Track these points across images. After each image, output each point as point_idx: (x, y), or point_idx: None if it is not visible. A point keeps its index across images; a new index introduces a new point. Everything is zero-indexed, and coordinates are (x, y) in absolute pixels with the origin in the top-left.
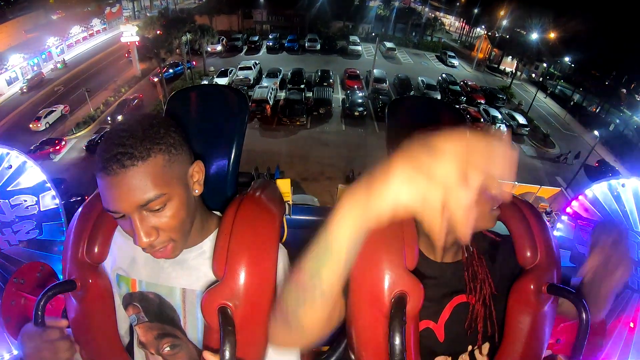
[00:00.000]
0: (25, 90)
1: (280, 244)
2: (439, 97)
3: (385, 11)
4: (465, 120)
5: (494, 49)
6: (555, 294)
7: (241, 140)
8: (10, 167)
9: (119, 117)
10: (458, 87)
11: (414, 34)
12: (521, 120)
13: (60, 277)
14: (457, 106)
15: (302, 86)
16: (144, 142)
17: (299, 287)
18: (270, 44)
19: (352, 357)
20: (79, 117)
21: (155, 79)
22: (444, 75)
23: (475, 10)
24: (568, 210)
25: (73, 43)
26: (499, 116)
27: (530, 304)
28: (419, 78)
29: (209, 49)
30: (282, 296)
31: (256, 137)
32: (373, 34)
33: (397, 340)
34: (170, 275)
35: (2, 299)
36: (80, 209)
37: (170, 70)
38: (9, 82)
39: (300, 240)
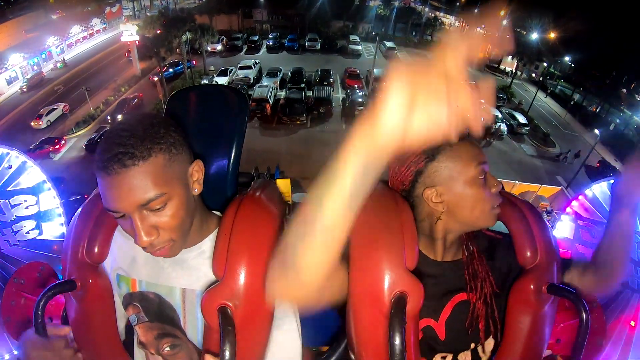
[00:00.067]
0: (25, 89)
1: None
2: None
3: (386, 11)
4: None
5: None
6: (555, 294)
7: (241, 140)
8: (10, 167)
9: (119, 117)
10: None
11: (414, 33)
12: (521, 119)
13: (60, 277)
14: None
15: (302, 85)
16: (144, 142)
17: (300, 220)
18: (271, 43)
19: (352, 357)
20: (79, 116)
21: (155, 78)
22: None
23: (475, 11)
24: (568, 210)
25: (73, 43)
26: (499, 115)
27: (530, 304)
28: None
29: (209, 49)
30: (284, 232)
31: (256, 136)
32: (373, 33)
33: (397, 340)
34: (170, 275)
35: (2, 299)
36: (80, 209)
37: (170, 70)
38: (9, 82)
39: None
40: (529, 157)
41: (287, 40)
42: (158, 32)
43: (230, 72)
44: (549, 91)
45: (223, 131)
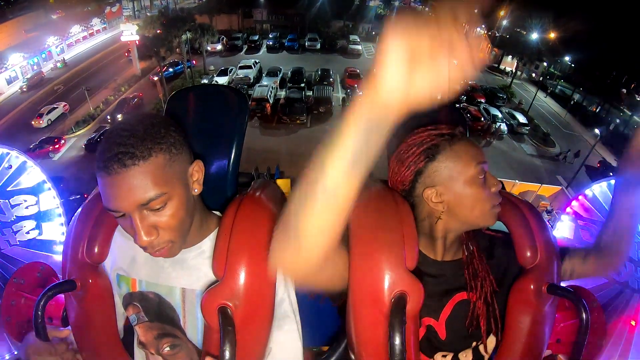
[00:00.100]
0: (25, 89)
1: None
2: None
3: (386, 11)
4: (465, 119)
5: (494, 49)
6: (555, 294)
7: (241, 141)
8: (10, 167)
9: (119, 116)
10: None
11: None
12: (522, 119)
13: (60, 277)
14: (458, 105)
15: (302, 85)
16: (145, 142)
17: (303, 186)
18: (271, 43)
19: (352, 357)
20: (79, 115)
21: (155, 78)
22: None
23: (475, 11)
24: (568, 210)
25: (73, 42)
26: (500, 115)
27: (530, 304)
28: None
29: (209, 48)
30: (288, 197)
31: (256, 136)
32: (373, 33)
33: (397, 340)
34: (170, 275)
35: (2, 299)
36: (80, 209)
37: (170, 69)
38: (9, 81)
39: None
40: (529, 156)
41: (287, 40)
42: (158, 31)
43: (230, 72)
44: (549, 91)
45: (223, 131)
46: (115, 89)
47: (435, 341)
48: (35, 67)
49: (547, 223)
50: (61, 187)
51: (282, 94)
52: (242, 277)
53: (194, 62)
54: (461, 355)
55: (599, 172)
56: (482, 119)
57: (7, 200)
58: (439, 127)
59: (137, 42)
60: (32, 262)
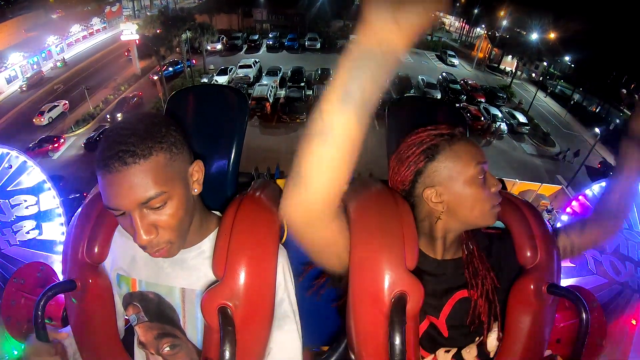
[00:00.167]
0: (24, 88)
1: (280, 245)
2: (439, 96)
3: None
4: (465, 120)
5: (494, 49)
6: (555, 294)
7: (241, 141)
8: (10, 167)
9: (118, 115)
10: (458, 85)
11: None
12: (521, 118)
13: (60, 277)
14: (458, 104)
15: (302, 84)
16: (145, 140)
17: (309, 132)
18: (271, 42)
19: (352, 357)
20: (78, 115)
21: (155, 77)
22: (444, 74)
23: (475, 11)
24: (568, 210)
25: (73, 42)
26: (500, 114)
27: (530, 304)
28: (419, 77)
29: (208, 48)
30: (300, 147)
31: (256, 134)
32: None
33: (397, 340)
34: (169, 275)
35: (2, 299)
36: (80, 209)
37: (170, 69)
38: (9, 81)
39: None
40: (529, 156)
41: (287, 40)
42: (158, 31)
43: (230, 71)
44: (549, 91)
45: (223, 131)
46: (115, 88)
47: (437, 337)
48: (35, 67)
49: (547, 223)
50: (60, 186)
51: (282, 93)
52: (242, 277)
53: (194, 61)
54: (464, 351)
55: (600, 173)
56: (482, 118)
57: (7, 200)
58: (439, 127)
59: (137, 41)
60: (32, 262)
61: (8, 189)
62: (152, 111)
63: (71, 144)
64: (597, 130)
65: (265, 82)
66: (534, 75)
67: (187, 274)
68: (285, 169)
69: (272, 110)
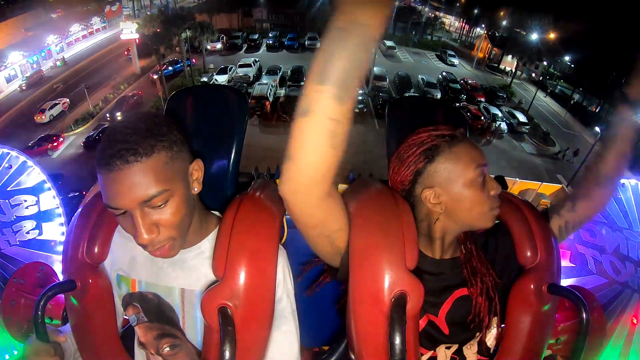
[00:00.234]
0: (24, 87)
1: (280, 245)
2: (439, 95)
3: None
4: (465, 120)
5: (494, 49)
6: (556, 294)
7: (241, 141)
8: (11, 167)
9: (118, 114)
10: (458, 85)
11: (414, 32)
12: (521, 118)
13: (60, 277)
14: (458, 104)
15: (302, 83)
16: (147, 139)
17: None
18: (270, 42)
19: (352, 357)
20: (78, 113)
21: (155, 77)
22: (444, 73)
23: (475, 11)
24: None
25: (73, 41)
26: (500, 114)
27: (530, 304)
28: (419, 76)
29: (208, 47)
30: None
31: (256, 133)
32: None
33: (398, 340)
34: (169, 276)
35: (2, 299)
36: (80, 209)
37: (170, 68)
38: (8, 80)
39: (300, 240)
40: (529, 155)
41: (287, 39)
42: (158, 30)
43: (230, 70)
44: (548, 91)
45: (223, 131)
46: (114, 87)
47: (437, 335)
48: (34, 66)
49: (547, 223)
50: (60, 185)
51: (282, 92)
52: (242, 277)
53: (194, 60)
54: (465, 348)
55: None
56: (482, 117)
57: (7, 200)
58: (440, 128)
59: (136, 40)
60: (32, 262)
61: (8, 189)
62: (151, 110)
63: (70, 143)
64: (597, 129)
65: (265, 81)
66: (534, 75)
67: (187, 274)
68: None
69: (272, 109)
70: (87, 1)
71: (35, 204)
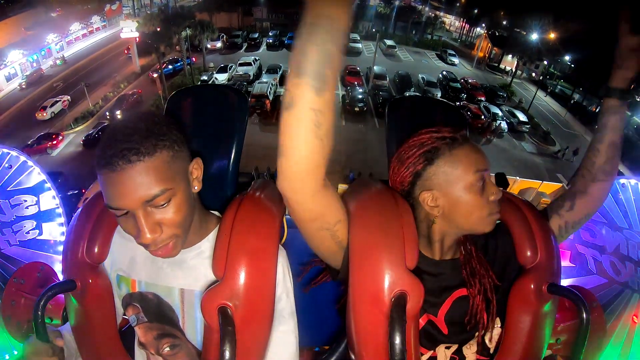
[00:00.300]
0: (24, 86)
1: (280, 245)
2: (439, 94)
3: (386, 9)
4: (465, 119)
5: (494, 48)
6: (556, 294)
7: (241, 141)
8: (11, 167)
9: (118, 112)
10: (458, 84)
11: (414, 32)
12: (522, 117)
13: (60, 277)
14: (458, 103)
15: None
16: (149, 138)
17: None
18: (270, 41)
19: (352, 357)
20: (78, 112)
21: (155, 75)
22: (444, 72)
23: (475, 11)
24: None
25: (72, 40)
26: (500, 113)
27: (530, 304)
28: (420, 75)
29: (208, 46)
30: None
31: (256, 132)
32: (374, 30)
33: (398, 340)
34: (168, 276)
35: (2, 298)
36: (80, 209)
37: (170, 67)
38: (8, 78)
39: (300, 240)
40: (529, 154)
41: (287, 38)
42: (158, 29)
43: (230, 69)
44: (549, 90)
45: (223, 131)
46: (114, 85)
47: (437, 334)
48: (34, 65)
49: (547, 222)
50: (59, 183)
51: (282, 90)
52: (242, 277)
53: (194, 59)
54: (465, 348)
55: None
56: (483, 116)
57: (7, 200)
58: (442, 130)
59: (136, 39)
60: (32, 262)
61: (8, 189)
62: (151, 110)
63: (70, 141)
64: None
65: (265, 80)
66: (534, 74)
67: (186, 274)
68: None
69: (272, 107)
70: (87, 0)
71: (35, 204)
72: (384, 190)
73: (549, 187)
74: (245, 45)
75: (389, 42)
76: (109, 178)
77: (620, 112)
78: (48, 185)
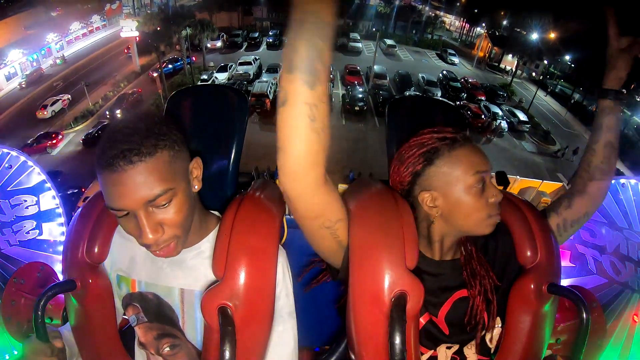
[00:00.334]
0: (24, 85)
1: (280, 245)
2: (439, 93)
3: (386, 9)
4: (465, 119)
5: (494, 48)
6: (556, 294)
7: (241, 141)
8: (11, 167)
9: (118, 112)
10: (459, 83)
11: (414, 31)
12: (522, 117)
13: (60, 277)
14: (458, 102)
15: None
16: (149, 138)
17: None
18: (271, 40)
19: (352, 356)
20: (78, 111)
21: (155, 74)
22: (444, 72)
23: (475, 10)
24: None
25: (72, 39)
26: (500, 112)
27: (530, 304)
28: (420, 74)
29: (208, 45)
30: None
31: (256, 131)
32: (374, 30)
33: (398, 340)
34: (168, 276)
35: (2, 299)
36: (80, 209)
37: (170, 66)
38: (8, 78)
39: (300, 240)
40: (530, 153)
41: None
42: (158, 28)
43: (230, 68)
44: (549, 90)
45: (223, 131)
46: (114, 85)
47: (438, 334)
48: (34, 64)
49: (547, 222)
50: (59, 181)
51: None
52: (242, 277)
53: (194, 58)
54: (466, 348)
55: None
56: (483, 116)
57: (7, 200)
58: (443, 130)
59: (136, 38)
60: (32, 262)
61: (8, 189)
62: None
63: (70, 141)
64: None
65: (265, 79)
66: (534, 74)
67: (186, 274)
68: None
69: (272, 106)
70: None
71: (35, 204)
72: (384, 190)
73: (549, 187)
74: (245, 45)
75: (389, 42)
76: (109, 179)
77: (615, 112)
78: (48, 185)
